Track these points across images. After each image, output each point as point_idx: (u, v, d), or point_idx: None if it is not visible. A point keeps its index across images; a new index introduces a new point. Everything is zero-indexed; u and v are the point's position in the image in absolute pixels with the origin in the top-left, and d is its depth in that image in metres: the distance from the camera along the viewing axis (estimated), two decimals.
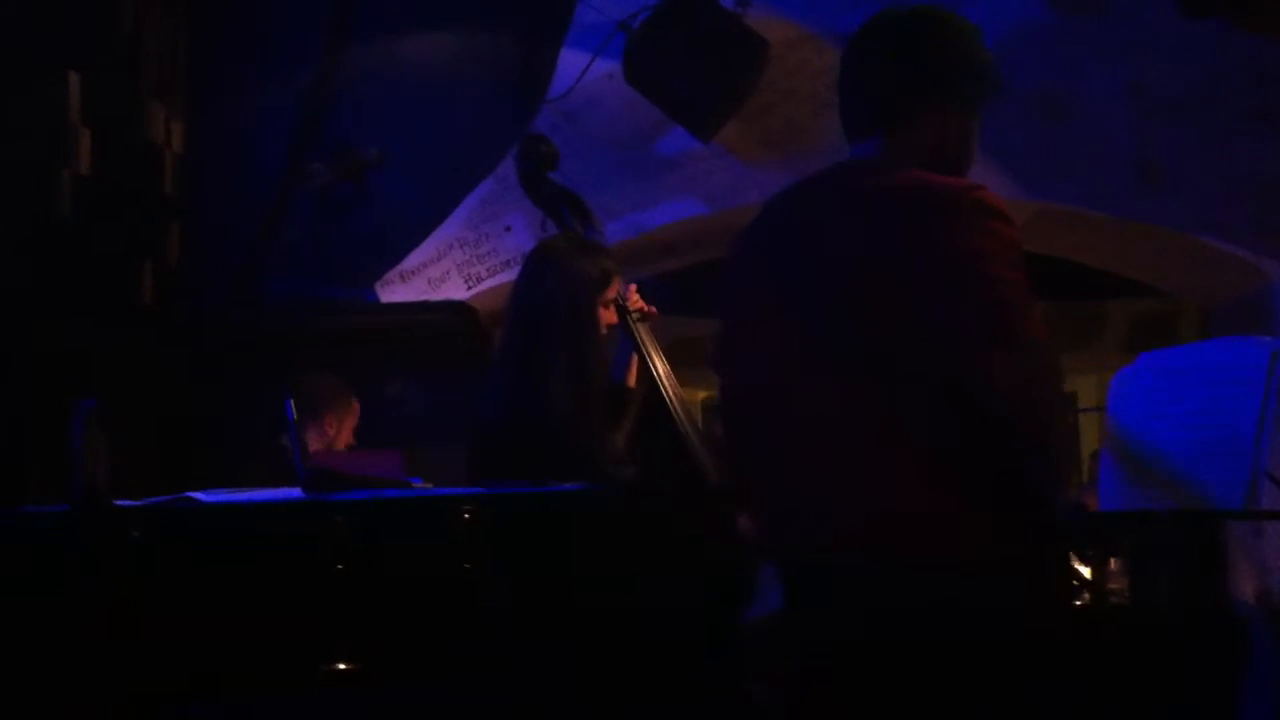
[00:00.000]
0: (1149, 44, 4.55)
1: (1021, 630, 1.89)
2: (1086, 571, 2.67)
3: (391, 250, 4.82)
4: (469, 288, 4.77)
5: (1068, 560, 2.37)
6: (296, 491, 2.69)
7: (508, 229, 4.72)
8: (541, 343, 3.08)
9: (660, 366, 3.27)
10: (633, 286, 3.35)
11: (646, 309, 3.32)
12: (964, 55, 2.12)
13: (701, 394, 8.27)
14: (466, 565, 2.58)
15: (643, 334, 3.28)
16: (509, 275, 4.38)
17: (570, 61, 4.69)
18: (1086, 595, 2.61)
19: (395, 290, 4.80)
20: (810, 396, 1.99)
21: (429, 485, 2.89)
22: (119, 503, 2.64)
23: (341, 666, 2.49)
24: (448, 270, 4.79)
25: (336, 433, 4.14)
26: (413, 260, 4.80)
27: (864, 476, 1.93)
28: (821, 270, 2.00)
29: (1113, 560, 2.71)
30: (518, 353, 3.12)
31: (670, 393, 3.24)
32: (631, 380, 3.29)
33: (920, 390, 1.90)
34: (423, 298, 4.77)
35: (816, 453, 1.98)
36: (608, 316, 3.20)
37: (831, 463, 1.97)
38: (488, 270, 4.77)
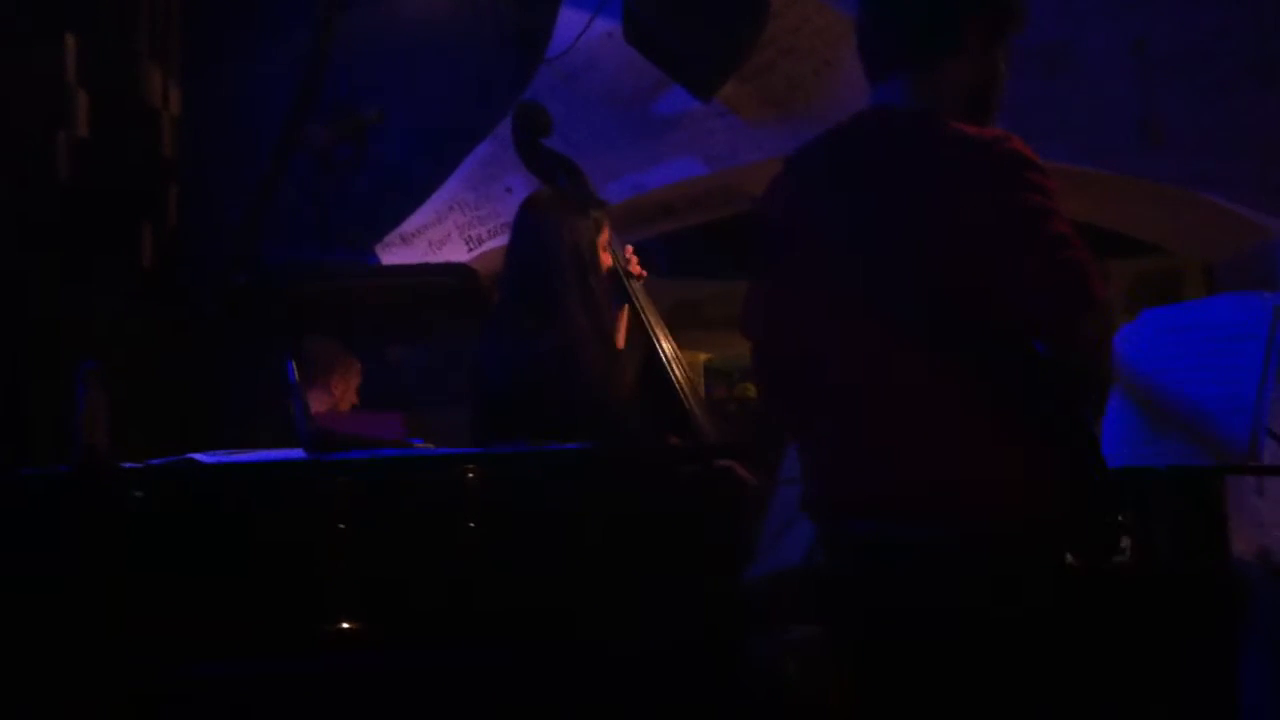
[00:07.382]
0: None
1: (1075, 597, 1.85)
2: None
3: (391, 212, 4.80)
4: (470, 250, 4.75)
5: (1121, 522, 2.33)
6: (298, 452, 2.69)
7: (508, 190, 4.69)
8: (552, 289, 3.11)
9: (658, 328, 3.29)
10: (629, 248, 3.39)
11: (640, 272, 3.38)
12: None
13: (703, 356, 8.28)
14: (470, 524, 2.59)
15: (637, 292, 3.33)
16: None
17: (569, 20, 4.66)
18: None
19: (396, 253, 4.78)
20: (865, 360, 1.91)
21: (430, 446, 2.89)
22: (120, 464, 2.64)
23: (344, 625, 2.50)
24: (448, 232, 4.77)
25: (340, 394, 4.16)
26: (413, 222, 4.78)
27: (929, 441, 1.87)
28: (871, 233, 1.91)
29: None
30: (528, 302, 3.13)
31: (666, 350, 3.26)
32: (620, 340, 3.30)
33: (985, 353, 1.85)
34: (423, 260, 4.76)
35: (875, 417, 1.91)
36: (605, 259, 3.26)
37: (894, 428, 1.90)
38: (488, 232, 4.75)
